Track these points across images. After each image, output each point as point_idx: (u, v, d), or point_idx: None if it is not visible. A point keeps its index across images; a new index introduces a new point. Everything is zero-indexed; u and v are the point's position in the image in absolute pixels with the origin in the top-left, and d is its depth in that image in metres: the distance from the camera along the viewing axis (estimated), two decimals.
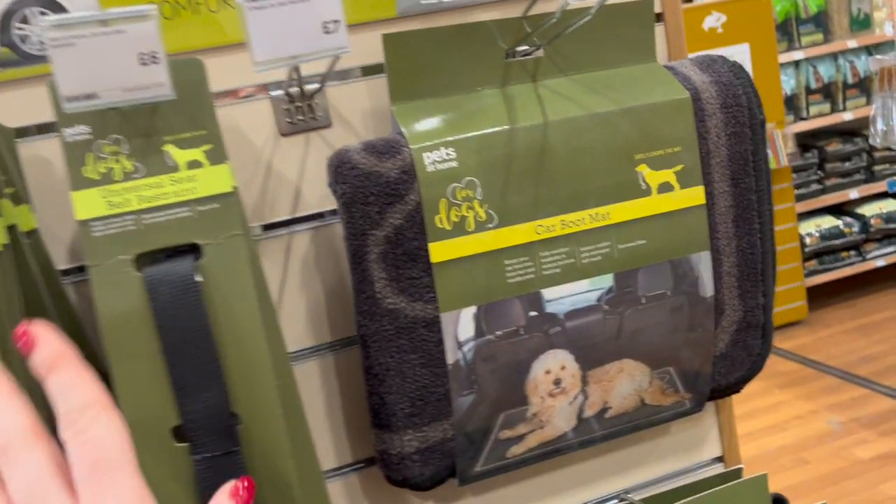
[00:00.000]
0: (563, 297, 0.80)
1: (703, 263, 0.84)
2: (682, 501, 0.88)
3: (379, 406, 0.77)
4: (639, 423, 0.88)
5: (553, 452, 0.86)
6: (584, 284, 0.81)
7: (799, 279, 3.89)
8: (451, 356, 0.77)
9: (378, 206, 0.73)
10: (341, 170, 0.73)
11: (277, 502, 0.65)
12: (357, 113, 0.82)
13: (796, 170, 3.92)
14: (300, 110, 0.79)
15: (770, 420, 3.23)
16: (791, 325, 3.96)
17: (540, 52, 0.82)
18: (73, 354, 0.37)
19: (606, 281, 0.82)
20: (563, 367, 0.82)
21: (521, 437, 0.83)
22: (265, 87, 0.79)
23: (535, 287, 0.79)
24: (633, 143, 0.81)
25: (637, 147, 0.81)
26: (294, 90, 0.77)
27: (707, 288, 0.85)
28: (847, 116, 3.90)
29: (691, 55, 0.89)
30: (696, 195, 0.83)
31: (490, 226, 0.77)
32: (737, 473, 0.93)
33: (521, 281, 0.79)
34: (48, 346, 0.36)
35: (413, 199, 0.74)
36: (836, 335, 3.81)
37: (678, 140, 0.82)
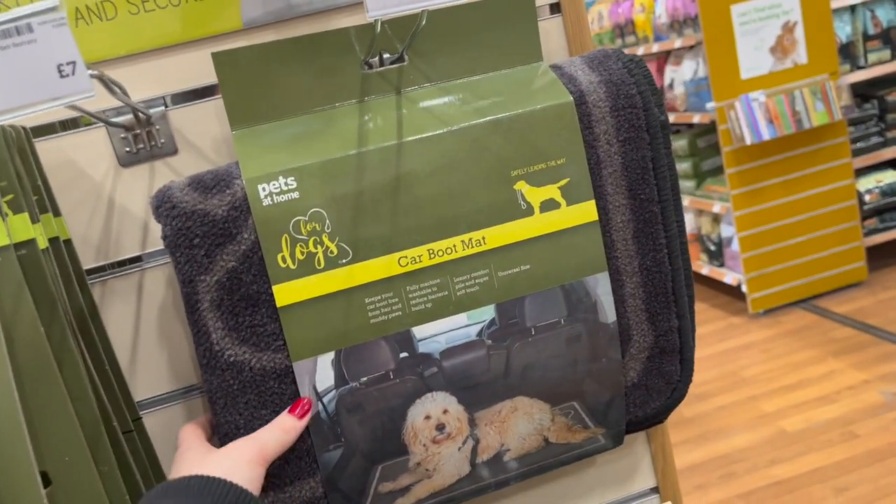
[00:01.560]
0: (438, 334, 0.72)
1: (600, 286, 0.74)
2: None
3: None
4: (547, 463, 0.80)
5: (447, 502, 0.78)
6: (461, 319, 0.73)
7: (857, 239, 3.64)
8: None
9: (205, 249, 0.66)
10: (162, 210, 0.66)
11: None
12: (206, 138, 0.75)
13: (854, 122, 3.65)
14: (139, 138, 0.72)
15: (820, 391, 3.05)
16: (849, 288, 3.73)
17: (404, 61, 0.73)
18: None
19: (487, 313, 0.73)
20: (445, 411, 0.74)
21: (406, 489, 0.76)
22: (102, 115, 0.73)
23: (403, 326, 0.71)
24: (508, 158, 0.71)
25: (513, 162, 0.71)
26: (124, 119, 0.71)
27: (608, 313, 0.75)
28: None
29: (588, 53, 0.78)
30: (586, 211, 0.73)
31: (343, 261, 0.69)
32: None
33: (386, 320, 0.71)
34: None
35: (248, 238, 0.67)
36: None
37: (561, 151, 0.72)
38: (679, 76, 3.77)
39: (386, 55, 0.74)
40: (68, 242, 0.70)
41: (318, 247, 0.68)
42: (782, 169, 3.53)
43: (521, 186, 0.72)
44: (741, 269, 3.64)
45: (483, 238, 0.72)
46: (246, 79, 0.70)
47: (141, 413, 0.78)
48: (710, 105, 3.46)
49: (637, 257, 0.75)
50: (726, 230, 3.75)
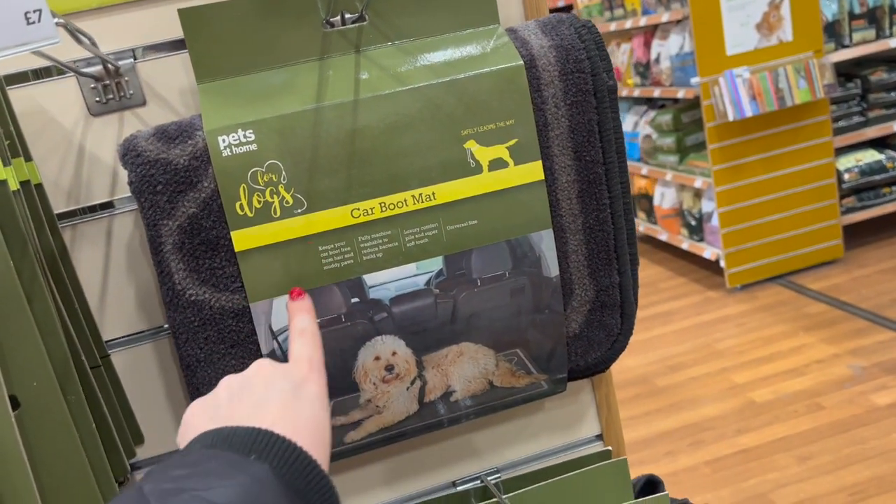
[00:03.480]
0: (388, 282, 0.77)
1: (544, 242, 0.79)
2: (533, 486, 0.85)
3: (195, 395, 0.76)
4: (492, 404, 0.85)
5: (398, 436, 0.84)
6: (410, 268, 0.77)
7: (834, 217, 3.71)
8: (266, 346, 0.75)
9: (167, 195, 0.70)
10: (128, 158, 0.70)
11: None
12: (174, 90, 0.79)
13: (837, 101, 3.69)
14: (109, 89, 0.76)
15: (790, 363, 3.13)
16: (825, 265, 3.80)
17: (365, 20, 0.77)
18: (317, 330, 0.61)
19: (435, 264, 0.77)
20: (394, 353, 0.79)
21: (357, 423, 0.81)
22: (72, 65, 0.76)
23: (355, 273, 0.76)
24: (459, 117, 0.75)
25: (464, 122, 0.75)
26: (94, 69, 0.74)
27: (551, 267, 0.80)
28: (894, 43, 3.63)
29: (543, 17, 0.82)
30: (533, 171, 0.77)
31: (298, 211, 0.73)
32: (605, 455, 0.90)
33: (339, 267, 0.75)
34: (308, 300, 0.64)
35: (208, 186, 0.71)
36: (871, 275, 3.64)
37: (511, 112, 0.76)
38: (665, 50, 3.80)
39: (347, 15, 0.77)
40: (39, 187, 0.74)
41: (275, 196, 0.73)
42: (764, 146, 3.58)
43: (471, 145, 0.76)
44: (720, 245, 3.70)
45: (433, 193, 0.76)
46: (211, 35, 0.73)
47: (110, 351, 0.82)
48: (694, 80, 3.49)
49: (581, 216, 0.79)
50: (707, 205, 3.80)
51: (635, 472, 0.89)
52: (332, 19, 0.76)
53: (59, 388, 0.67)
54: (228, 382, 0.55)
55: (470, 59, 0.77)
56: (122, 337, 0.83)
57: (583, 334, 0.84)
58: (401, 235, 0.76)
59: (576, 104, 0.77)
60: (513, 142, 0.77)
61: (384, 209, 0.75)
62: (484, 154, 0.76)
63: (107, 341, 0.82)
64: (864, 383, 2.90)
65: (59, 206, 0.78)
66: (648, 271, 4.37)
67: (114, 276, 0.81)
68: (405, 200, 0.75)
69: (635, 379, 3.30)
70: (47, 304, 0.68)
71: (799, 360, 3.16)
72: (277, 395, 0.51)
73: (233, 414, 0.50)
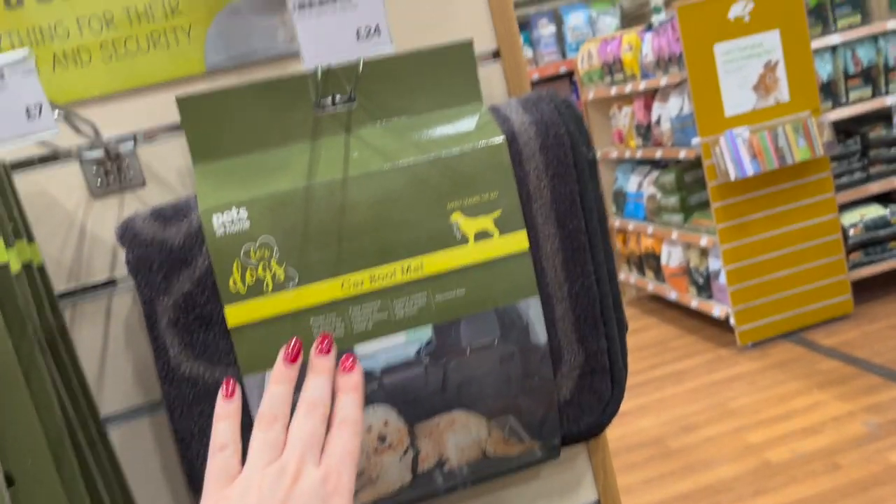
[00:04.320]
0: (378, 352, 0.78)
1: (532, 310, 0.81)
2: None
3: (190, 469, 0.77)
4: (487, 472, 0.86)
5: None
6: (400, 338, 0.79)
7: (842, 272, 3.70)
8: None
9: (163, 274, 0.73)
10: (125, 238, 0.73)
11: None
12: (173, 171, 0.82)
13: (837, 158, 3.73)
14: (110, 172, 0.80)
15: (805, 422, 3.09)
16: (835, 321, 3.78)
17: (354, 103, 0.81)
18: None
19: (425, 333, 0.79)
20: (386, 423, 0.80)
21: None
22: (75, 150, 0.80)
23: (346, 344, 0.78)
24: (444, 191, 0.78)
25: (449, 195, 0.78)
26: (94, 154, 0.78)
27: (539, 335, 0.81)
28: (890, 101, 3.69)
29: (524, 95, 0.85)
30: (518, 240, 0.80)
31: (290, 285, 0.76)
32: None
33: None
34: (358, 374, 0.56)
35: (202, 264, 0.74)
36: (882, 330, 3.61)
37: (494, 185, 0.79)
38: (666, 112, 3.86)
39: (338, 96, 0.81)
40: (41, 267, 0.76)
41: (267, 272, 0.75)
42: (767, 203, 3.60)
43: (457, 217, 0.79)
44: (729, 302, 3.69)
45: (421, 264, 0.78)
46: (207, 120, 0.77)
47: (108, 426, 0.84)
48: (695, 141, 3.54)
49: (566, 283, 0.81)
50: (714, 263, 3.81)
51: None
52: (322, 101, 0.79)
53: (55, 466, 0.68)
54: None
55: (454, 136, 0.80)
56: (120, 411, 0.84)
57: (574, 400, 0.85)
58: (390, 306, 0.78)
59: (557, 176, 0.80)
60: (497, 213, 0.79)
61: (374, 281, 0.77)
62: (470, 226, 0.79)
63: (104, 416, 0.84)
64: (881, 441, 2.85)
65: (60, 285, 0.81)
66: (658, 330, 4.35)
67: (112, 352, 0.83)
68: (394, 272, 0.78)
69: (648, 440, 3.26)
70: (44, 383, 0.70)
71: (814, 418, 3.11)
72: None
73: None
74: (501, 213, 0.79)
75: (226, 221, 0.74)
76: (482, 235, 0.79)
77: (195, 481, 0.77)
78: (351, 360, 0.56)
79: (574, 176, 0.80)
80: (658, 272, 4.36)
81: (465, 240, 0.79)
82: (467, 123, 0.81)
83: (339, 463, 0.50)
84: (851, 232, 3.72)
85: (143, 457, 0.85)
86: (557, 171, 0.80)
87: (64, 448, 0.71)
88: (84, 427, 0.76)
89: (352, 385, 0.55)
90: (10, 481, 0.65)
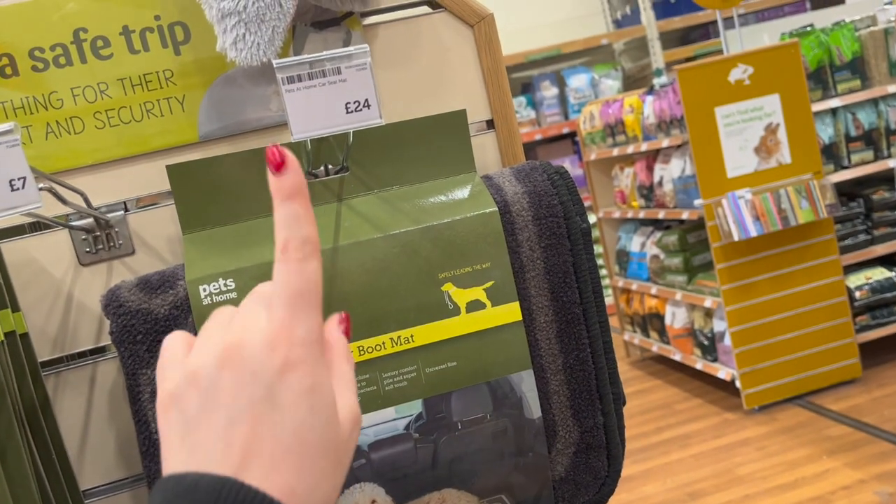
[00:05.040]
0: (367, 427, 0.76)
1: (525, 383, 0.79)
2: None
3: None
4: None
5: None
6: (389, 412, 0.77)
7: (849, 335, 3.66)
8: None
9: (147, 345, 0.71)
10: (110, 308, 0.72)
11: None
12: (162, 239, 0.81)
13: (841, 220, 3.72)
14: (99, 240, 0.79)
15: (815, 490, 3.01)
16: (843, 385, 3.72)
17: (346, 172, 0.80)
18: (307, 191, 0.42)
19: (415, 407, 0.77)
20: (373, 502, 0.77)
21: None
22: (64, 220, 0.79)
23: None
24: (436, 261, 0.77)
25: (440, 265, 0.77)
26: (83, 223, 0.77)
27: (533, 409, 0.79)
28: (892, 163, 3.70)
29: (518, 164, 0.85)
30: (510, 311, 0.78)
31: None
32: None
33: None
34: (295, 174, 0.41)
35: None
36: (892, 395, 3.55)
37: (487, 255, 0.78)
38: (668, 174, 3.88)
39: (330, 166, 0.81)
40: (25, 336, 0.75)
41: None
42: (771, 265, 3.59)
43: (449, 288, 0.77)
44: (734, 364, 3.64)
45: (411, 336, 0.76)
46: (197, 188, 0.76)
47: (89, 501, 0.81)
48: (698, 202, 3.54)
49: (561, 356, 0.79)
50: (718, 325, 3.77)
51: None
52: (314, 171, 0.79)
53: None
54: (195, 373, 0.41)
55: (446, 205, 0.79)
56: (101, 486, 0.82)
57: (569, 477, 0.82)
58: (379, 379, 0.76)
59: (550, 247, 0.78)
60: (489, 284, 0.78)
61: (362, 353, 0.76)
62: (461, 296, 0.77)
63: (84, 490, 0.81)
64: None
65: (43, 354, 0.80)
66: (663, 392, 4.28)
67: (95, 423, 0.81)
68: (383, 343, 0.76)
69: None
70: (21, 458, 0.68)
71: (824, 487, 3.03)
72: (247, 411, 0.39)
73: (199, 438, 0.40)
74: (494, 283, 0.78)
75: (212, 292, 0.73)
76: (474, 306, 0.78)
77: None
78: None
79: (568, 247, 0.79)
80: (662, 333, 4.32)
81: (456, 310, 0.77)
82: (460, 192, 0.80)
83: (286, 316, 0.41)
84: (857, 294, 3.69)
85: None
86: (551, 242, 0.78)
87: None
88: (62, 502, 0.73)
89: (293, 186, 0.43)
90: None
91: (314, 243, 0.42)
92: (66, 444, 0.80)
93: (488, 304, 0.78)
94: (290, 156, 0.42)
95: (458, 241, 0.77)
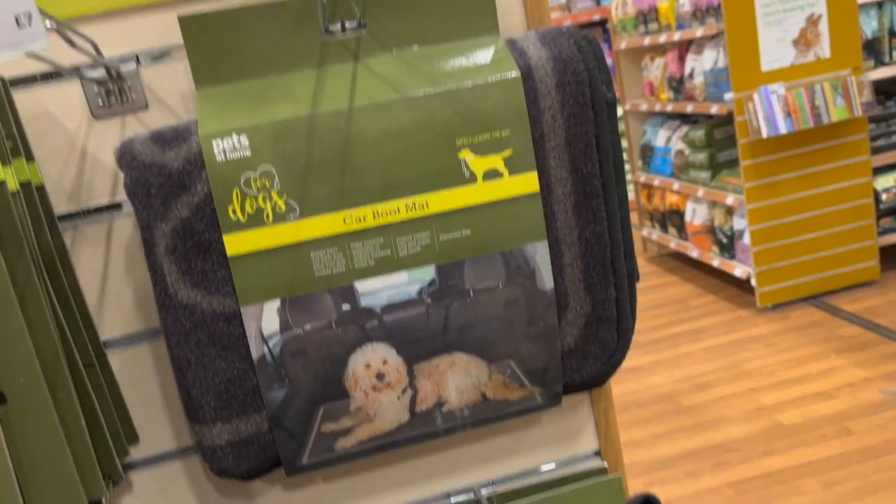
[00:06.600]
0: (380, 290, 0.77)
1: (539, 254, 0.78)
2: (525, 499, 0.84)
3: (186, 398, 0.77)
4: (486, 416, 0.84)
5: (390, 445, 0.83)
6: (402, 277, 0.77)
7: (871, 237, 3.62)
8: (256, 351, 0.76)
9: (161, 199, 0.71)
10: (123, 160, 0.71)
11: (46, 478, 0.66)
12: (176, 94, 0.80)
13: (875, 120, 3.61)
14: (112, 93, 0.77)
15: (820, 386, 3.06)
16: (860, 287, 3.71)
17: (363, 30, 0.77)
18: None
19: (428, 273, 0.77)
20: (385, 361, 0.79)
21: (348, 431, 0.81)
22: (75, 69, 0.78)
23: (346, 280, 0.76)
24: (454, 127, 0.75)
25: (458, 131, 0.75)
26: (95, 73, 0.76)
27: (545, 280, 0.79)
28: None
29: (543, 28, 0.81)
30: (528, 182, 0.77)
31: (291, 217, 0.74)
32: (602, 471, 0.88)
33: (331, 274, 0.75)
34: None
35: (201, 191, 0.72)
36: None
37: (506, 123, 0.75)
38: (699, 65, 3.76)
39: (347, 22, 0.78)
40: (41, 188, 0.75)
41: (267, 202, 0.73)
42: (798, 164, 3.51)
43: (466, 155, 0.76)
44: (751, 263, 3.64)
45: (426, 202, 0.76)
46: (211, 42, 0.74)
47: (108, 351, 0.83)
48: (728, 96, 3.44)
49: (577, 228, 0.79)
50: (739, 223, 3.74)
51: (657, 492, 0.87)
52: (331, 28, 0.76)
53: (48, 386, 0.68)
54: None
55: (467, 68, 0.76)
56: (120, 337, 0.84)
57: (578, 348, 0.83)
58: (393, 244, 0.76)
59: (573, 116, 0.76)
60: (508, 152, 0.76)
61: (377, 217, 0.75)
62: (478, 164, 0.76)
63: (104, 341, 0.83)
64: None
65: (60, 208, 0.80)
66: (678, 288, 4.31)
67: (113, 277, 0.82)
68: (398, 209, 0.75)
69: (660, 397, 3.25)
70: (40, 304, 0.69)
71: (829, 383, 3.08)
72: None
73: None
74: (513, 152, 0.76)
75: (226, 148, 0.72)
76: (491, 175, 0.76)
77: (192, 409, 0.76)
78: None
79: (591, 117, 0.76)
80: (681, 229, 4.29)
81: (473, 178, 0.76)
82: (482, 56, 0.77)
83: None
84: (884, 197, 3.63)
85: (144, 382, 0.85)
86: (574, 111, 0.76)
87: (59, 368, 0.70)
88: (82, 349, 0.75)
89: None
90: (2, 398, 0.65)
91: None
92: (86, 297, 0.81)
93: (505, 173, 0.76)
94: None
95: (477, 106, 0.75)
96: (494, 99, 0.75)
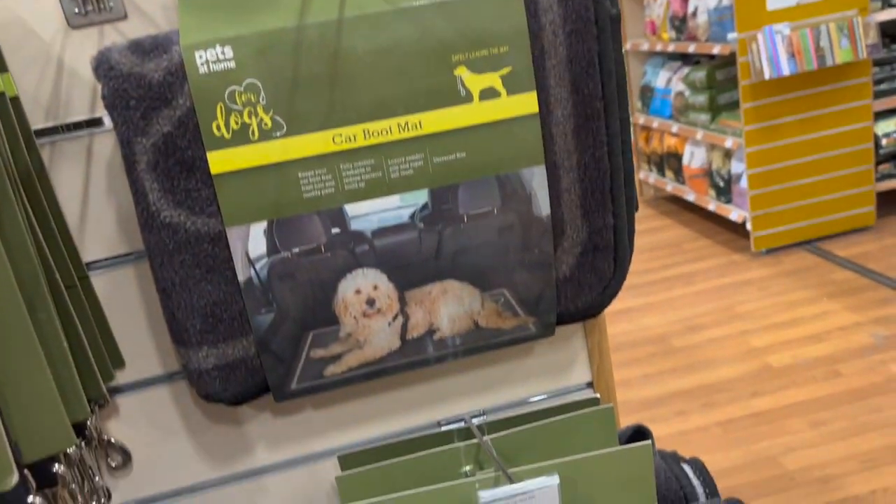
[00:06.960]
0: (371, 213, 0.74)
1: (536, 179, 0.76)
2: (516, 429, 0.83)
3: (171, 321, 0.75)
4: (478, 345, 0.83)
5: (380, 373, 0.82)
6: (394, 200, 0.74)
7: (869, 183, 3.59)
8: (242, 273, 0.73)
9: (141, 111, 0.68)
10: (100, 70, 0.67)
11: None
12: (156, 4, 0.76)
13: (879, 62, 3.55)
14: (89, 1, 0.73)
15: (811, 329, 3.07)
16: (855, 232, 3.70)
17: None
18: None
19: (421, 197, 0.74)
20: (375, 287, 0.77)
21: (337, 357, 0.79)
22: None
23: (336, 202, 0.73)
24: (450, 41, 0.71)
25: (454, 47, 0.71)
26: None
27: (542, 206, 0.76)
28: None
29: None
30: (526, 102, 0.73)
31: (277, 134, 0.71)
32: (594, 402, 0.87)
33: (320, 196, 0.73)
34: None
35: (183, 104, 0.68)
36: None
37: (505, 39, 0.72)
38: (703, 3, 3.67)
39: None
40: (16, 100, 0.72)
41: (253, 118, 0.70)
42: (799, 107, 3.46)
43: (462, 72, 0.72)
44: (747, 207, 3.62)
45: (419, 122, 0.72)
46: None
47: (91, 273, 0.81)
48: (731, 35, 3.37)
49: (576, 153, 0.76)
50: (737, 166, 3.71)
51: None
52: None
53: (27, 307, 0.65)
54: None
55: None
56: (103, 259, 0.81)
57: (573, 277, 0.81)
58: (385, 165, 0.73)
59: (575, 32, 0.72)
60: (506, 70, 0.73)
61: (367, 136, 0.72)
62: (475, 82, 0.72)
63: (87, 263, 0.81)
64: (886, 352, 2.83)
65: (36, 122, 0.76)
66: (673, 232, 4.29)
67: (94, 196, 0.79)
68: (390, 128, 0.72)
69: (652, 338, 3.26)
70: (17, 221, 0.66)
71: (820, 327, 3.10)
72: None
73: None
74: (511, 70, 0.73)
75: (209, 59, 0.68)
76: (488, 94, 0.73)
77: (177, 332, 0.75)
78: None
79: (594, 34, 0.73)
80: (678, 173, 4.26)
81: (469, 97, 0.73)
82: None
83: None
84: (884, 142, 3.59)
85: (129, 306, 0.83)
86: (576, 27, 0.72)
87: (39, 289, 0.68)
88: (63, 270, 0.73)
89: None
90: None
91: None
92: (66, 217, 0.78)
93: (503, 92, 0.73)
94: None
95: (474, 20, 0.71)
96: (493, 12, 0.71)
